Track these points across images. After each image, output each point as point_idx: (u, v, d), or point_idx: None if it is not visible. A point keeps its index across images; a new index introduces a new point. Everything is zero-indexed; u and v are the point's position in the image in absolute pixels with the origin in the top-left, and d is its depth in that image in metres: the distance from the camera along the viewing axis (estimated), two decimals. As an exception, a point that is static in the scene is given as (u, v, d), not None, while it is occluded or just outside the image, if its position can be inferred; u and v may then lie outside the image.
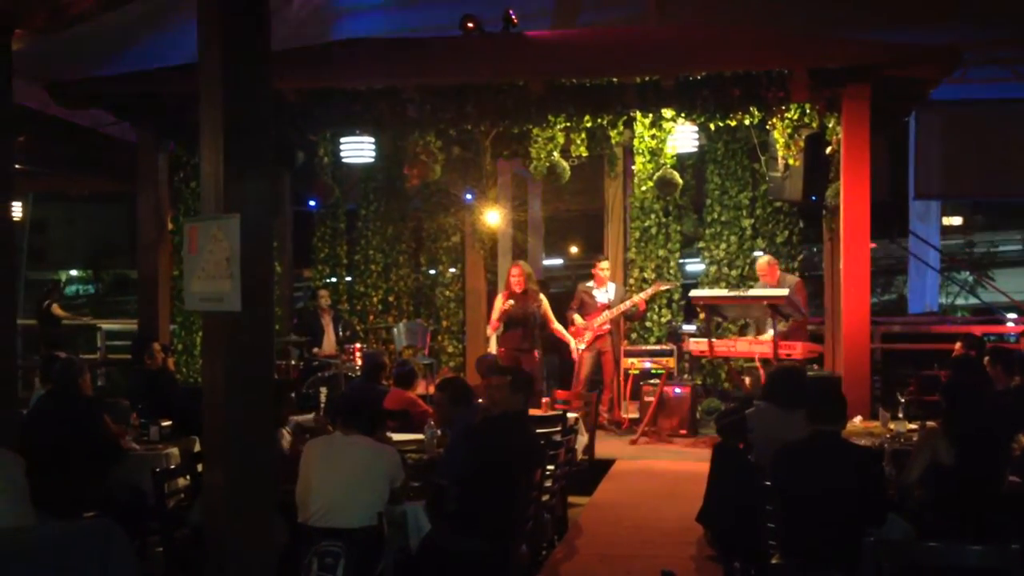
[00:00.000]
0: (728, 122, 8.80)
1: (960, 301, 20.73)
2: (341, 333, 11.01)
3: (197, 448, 6.06)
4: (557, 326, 9.77)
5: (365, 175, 11.66)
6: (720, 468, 6.00)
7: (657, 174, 9.10)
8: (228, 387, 4.30)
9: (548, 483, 5.90)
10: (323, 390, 9.46)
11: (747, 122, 8.86)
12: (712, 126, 8.90)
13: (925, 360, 10.08)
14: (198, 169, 4.82)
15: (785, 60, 8.50)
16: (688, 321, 11.12)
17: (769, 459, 4.83)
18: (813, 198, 8.99)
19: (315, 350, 10.61)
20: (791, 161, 8.80)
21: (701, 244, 11.15)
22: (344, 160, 9.83)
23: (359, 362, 10.02)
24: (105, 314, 15.89)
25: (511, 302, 9.44)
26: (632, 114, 8.87)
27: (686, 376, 9.92)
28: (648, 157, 9.09)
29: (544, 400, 8.20)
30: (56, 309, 12.78)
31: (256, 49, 4.43)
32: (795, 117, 8.59)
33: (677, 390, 9.49)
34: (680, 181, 9.34)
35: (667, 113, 8.80)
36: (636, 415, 9.73)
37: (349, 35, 10.85)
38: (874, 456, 5.01)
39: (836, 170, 8.72)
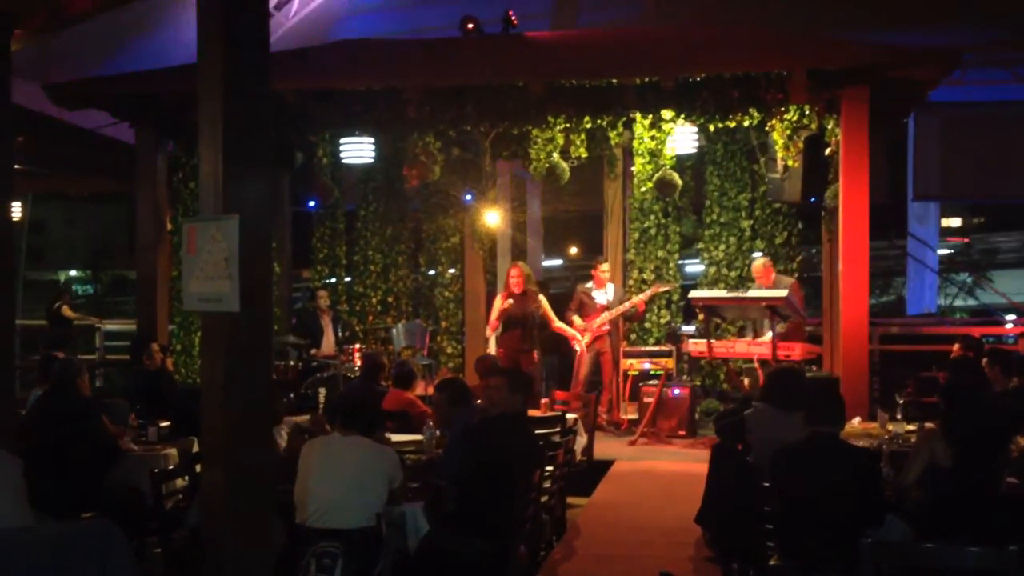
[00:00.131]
0: (727, 123, 8.83)
1: (959, 303, 20.74)
2: (340, 334, 11.00)
3: (195, 449, 6.06)
4: (560, 324, 9.76)
5: (364, 176, 11.65)
6: (719, 469, 5.98)
7: (656, 175, 9.10)
8: (227, 388, 4.30)
9: (547, 484, 5.89)
10: (322, 391, 9.49)
11: (746, 123, 8.88)
12: (711, 127, 8.93)
13: (923, 361, 10.08)
14: (197, 169, 4.82)
15: (784, 61, 8.52)
16: (687, 322, 11.11)
17: (768, 460, 4.82)
18: (812, 199, 9.02)
19: (314, 351, 10.60)
20: (790, 162, 8.81)
21: (700, 245, 11.15)
22: (343, 161, 9.84)
23: (358, 363, 9.99)
24: (104, 314, 15.83)
25: (510, 302, 9.43)
26: (631, 115, 8.89)
27: (685, 377, 9.93)
28: (647, 158, 9.10)
29: (543, 401, 8.17)
30: (67, 310, 12.77)
31: (256, 48, 4.43)
32: (794, 118, 8.60)
33: (676, 391, 9.49)
34: (679, 182, 9.34)
35: (666, 114, 8.81)
36: (635, 416, 9.72)
37: (348, 36, 10.86)
38: (872, 457, 5.00)
39: (835, 171, 8.72)
